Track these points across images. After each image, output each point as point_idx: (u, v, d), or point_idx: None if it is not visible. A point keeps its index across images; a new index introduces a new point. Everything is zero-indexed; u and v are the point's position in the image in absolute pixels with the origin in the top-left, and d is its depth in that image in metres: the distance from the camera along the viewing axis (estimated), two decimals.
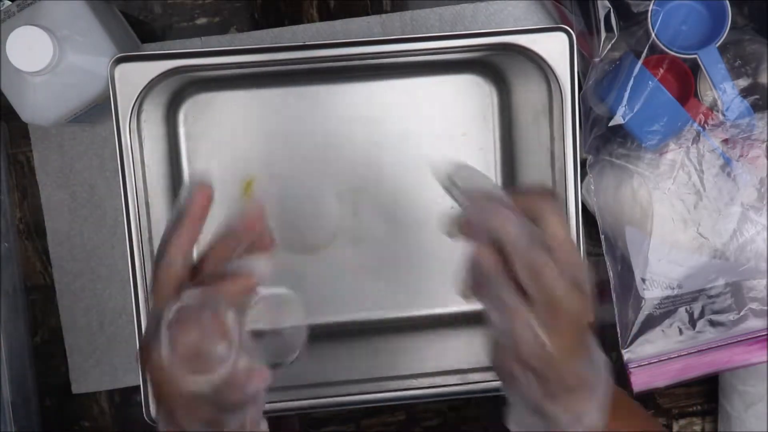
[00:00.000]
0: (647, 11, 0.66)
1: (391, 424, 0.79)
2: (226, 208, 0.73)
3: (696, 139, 0.69)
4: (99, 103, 0.66)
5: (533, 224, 0.45)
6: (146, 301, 0.64)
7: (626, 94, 0.67)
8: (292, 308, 0.48)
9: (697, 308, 0.71)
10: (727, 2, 0.66)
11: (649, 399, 0.80)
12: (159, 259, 0.47)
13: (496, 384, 0.67)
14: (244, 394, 0.44)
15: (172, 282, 0.46)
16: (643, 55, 0.67)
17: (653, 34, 0.66)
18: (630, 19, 0.67)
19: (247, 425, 0.47)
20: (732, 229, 0.70)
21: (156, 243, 0.67)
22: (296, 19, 0.75)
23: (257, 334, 0.46)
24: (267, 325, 0.47)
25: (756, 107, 0.68)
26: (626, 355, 0.71)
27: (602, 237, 0.71)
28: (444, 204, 0.74)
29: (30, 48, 0.59)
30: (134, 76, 0.62)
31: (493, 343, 0.47)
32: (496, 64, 0.72)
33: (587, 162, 0.71)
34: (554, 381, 0.46)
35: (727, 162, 0.69)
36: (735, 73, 0.68)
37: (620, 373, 0.71)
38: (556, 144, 0.66)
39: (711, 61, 0.67)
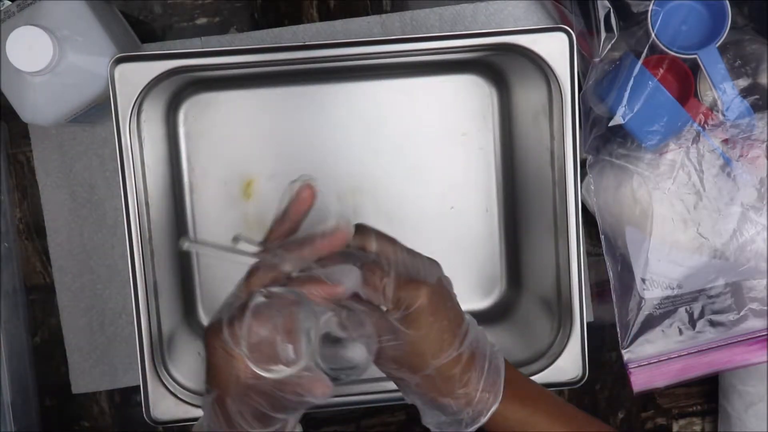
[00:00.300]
0: (647, 11, 0.66)
1: (391, 424, 0.79)
2: (227, 207, 0.73)
3: (696, 139, 0.69)
4: (99, 104, 0.66)
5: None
6: (146, 301, 0.64)
7: (626, 94, 0.67)
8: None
9: (697, 308, 0.71)
10: (727, 2, 0.66)
11: (649, 399, 0.80)
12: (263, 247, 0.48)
13: None
14: (302, 400, 0.45)
15: (268, 272, 0.46)
16: (643, 55, 0.67)
17: (653, 34, 0.66)
18: (630, 19, 0.67)
19: (288, 426, 0.48)
20: (732, 229, 0.70)
21: (156, 243, 0.67)
22: (296, 19, 0.75)
23: (328, 344, 0.46)
24: (338, 335, 0.47)
25: (756, 107, 0.68)
26: (626, 355, 0.71)
27: (602, 237, 0.71)
28: (444, 204, 0.75)
29: (30, 48, 0.59)
30: (134, 76, 0.62)
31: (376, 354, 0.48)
32: (496, 64, 0.72)
33: (587, 162, 0.71)
34: (430, 373, 0.49)
35: (727, 162, 0.69)
36: (735, 73, 0.68)
37: (620, 373, 0.71)
38: (556, 144, 0.66)
39: (711, 61, 0.67)
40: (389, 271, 0.48)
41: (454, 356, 0.49)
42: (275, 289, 0.44)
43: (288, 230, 0.50)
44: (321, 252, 0.47)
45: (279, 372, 0.43)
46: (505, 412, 0.51)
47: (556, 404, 0.54)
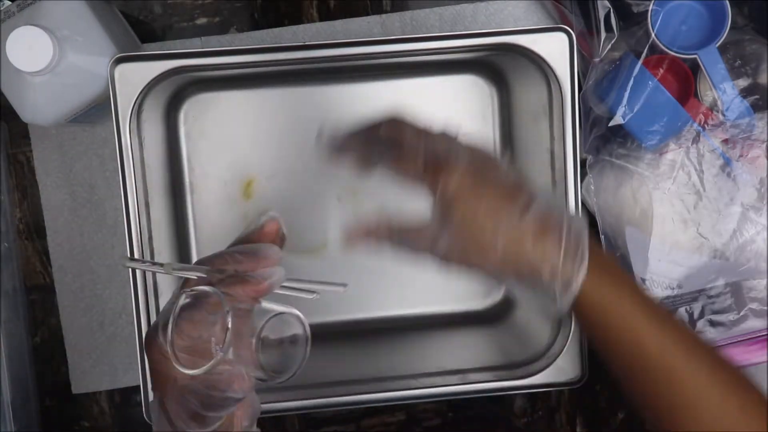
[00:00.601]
0: (647, 11, 0.66)
1: (391, 424, 0.79)
2: (227, 207, 0.73)
3: (696, 139, 0.69)
4: (99, 104, 0.66)
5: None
6: (146, 301, 0.64)
7: (626, 94, 0.67)
8: (295, 328, 0.48)
9: (697, 308, 0.71)
10: (727, 2, 0.66)
11: None
12: (204, 262, 0.47)
13: (496, 384, 0.67)
14: (223, 395, 0.44)
15: (201, 278, 0.46)
16: (643, 55, 0.67)
17: (653, 34, 0.66)
18: (630, 19, 0.67)
19: (235, 427, 0.47)
20: (732, 229, 0.70)
21: (156, 243, 0.67)
22: (296, 19, 0.75)
23: (262, 344, 0.46)
24: (270, 336, 0.47)
25: (756, 107, 0.68)
26: None
27: (602, 237, 0.71)
28: None
29: (30, 48, 0.59)
30: (134, 76, 0.62)
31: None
32: (496, 64, 0.72)
33: (587, 162, 0.71)
34: (499, 253, 0.48)
35: (727, 162, 0.69)
36: (735, 73, 0.68)
37: None
38: (556, 144, 0.66)
39: (711, 61, 0.67)
40: (417, 160, 0.47)
41: (517, 229, 0.47)
42: (199, 288, 0.44)
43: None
44: (251, 252, 0.47)
45: (197, 369, 0.43)
46: (594, 287, 0.49)
47: (644, 296, 0.52)
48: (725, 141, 0.69)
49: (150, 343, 0.46)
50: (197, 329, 0.44)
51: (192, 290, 0.44)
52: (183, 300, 0.44)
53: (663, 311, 0.52)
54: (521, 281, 0.49)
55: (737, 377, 0.50)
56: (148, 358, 0.46)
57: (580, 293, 0.49)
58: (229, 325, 0.43)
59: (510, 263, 0.49)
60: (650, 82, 0.66)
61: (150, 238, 0.66)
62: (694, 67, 0.68)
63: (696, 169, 0.70)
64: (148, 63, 0.63)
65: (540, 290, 0.50)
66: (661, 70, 0.68)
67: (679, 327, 0.51)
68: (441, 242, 0.48)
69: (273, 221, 0.49)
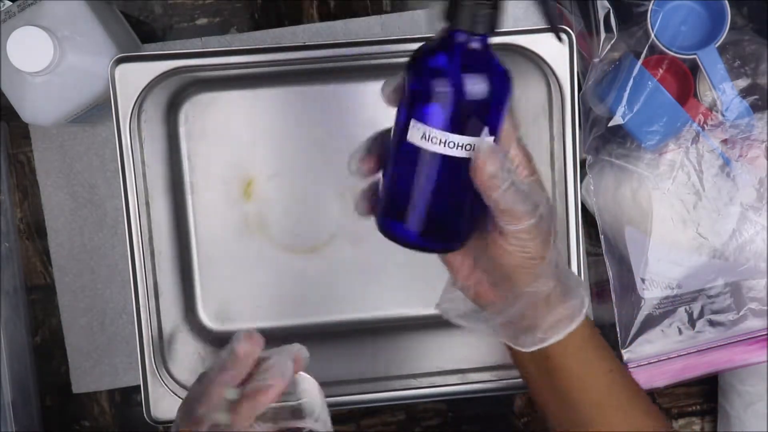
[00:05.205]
0: (647, 12, 0.66)
1: (391, 424, 0.79)
2: (227, 207, 0.73)
3: (695, 140, 0.69)
4: (99, 104, 0.66)
5: None
6: (146, 301, 0.65)
7: (626, 95, 0.67)
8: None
9: (696, 308, 0.71)
10: (727, 2, 0.66)
11: None
12: (195, 392, 0.49)
13: (496, 384, 0.67)
14: None
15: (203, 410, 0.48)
16: (643, 55, 0.67)
17: (653, 35, 0.66)
18: (629, 19, 0.67)
19: None
20: (731, 229, 0.70)
21: (156, 243, 0.67)
22: (296, 19, 0.76)
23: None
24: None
25: (755, 107, 0.68)
26: (626, 355, 0.71)
27: (602, 237, 0.71)
28: None
29: (30, 48, 0.60)
30: (134, 76, 0.63)
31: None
32: None
33: (587, 162, 0.71)
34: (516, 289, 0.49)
35: (726, 162, 0.70)
36: (734, 73, 0.68)
37: None
38: (555, 144, 0.66)
39: (710, 61, 0.67)
40: (533, 166, 0.49)
41: (544, 278, 0.49)
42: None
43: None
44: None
45: None
46: (573, 349, 0.51)
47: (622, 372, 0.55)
48: (724, 141, 0.69)
49: None
50: None
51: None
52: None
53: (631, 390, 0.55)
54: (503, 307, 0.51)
55: None
56: None
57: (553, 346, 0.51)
58: None
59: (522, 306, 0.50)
60: (650, 83, 0.66)
61: (150, 238, 0.66)
62: (694, 68, 0.68)
63: (695, 170, 0.70)
64: (149, 63, 0.63)
65: (509, 321, 0.51)
66: (661, 71, 0.68)
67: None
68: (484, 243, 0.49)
69: (248, 337, 0.50)
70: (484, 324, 0.53)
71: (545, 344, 0.51)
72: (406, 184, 0.46)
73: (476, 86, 0.45)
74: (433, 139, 0.45)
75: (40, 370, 0.77)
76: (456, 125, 0.45)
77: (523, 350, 0.52)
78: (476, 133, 0.45)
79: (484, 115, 0.45)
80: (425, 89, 0.45)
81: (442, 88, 0.44)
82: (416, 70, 0.46)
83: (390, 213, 0.48)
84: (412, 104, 0.46)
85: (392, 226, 0.48)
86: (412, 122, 0.45)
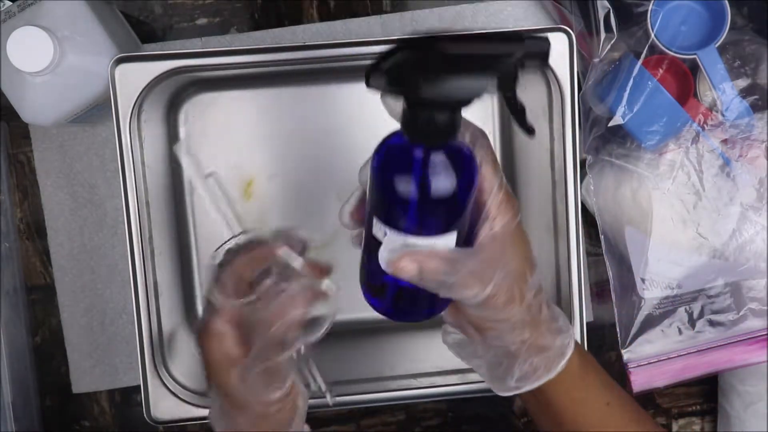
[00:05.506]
0: (647, 12, 0.66)
1: (391, 424, 0.79)
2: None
3: (695, 140, 0.69)
4: (99, 104, 0.66)
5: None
6: (146, 301, 0.65)
7: (626, 95, 0.67)
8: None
9: (696, 308, 0.71)
10: (727, 3, 0.66)
11: (648, 399, 0.80)
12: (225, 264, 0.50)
13: None
14: (282, 321, 0.47)
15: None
16: (643, 55, 0.67)
17: (653, 35, 0.66)
18: (629, 19, 0.67)
19: (294, 425, 0.50)
20: (731, 229, 0.70)
21: (156, 243, 0.67)
22: (296, 19, 0.76)
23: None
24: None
25: (755, 107, 0.68)
26: (626, 355, 0.71)
27: (602, 237, 0.71)
28: None
29: (30, 48, 0.60)
30: (134, 76, 0.63)
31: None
32: None
33: (587, 162, 0.71)
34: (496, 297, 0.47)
35: (726, 162, 0.70)
36: (734, 73, 0.68)
37: (620, 372, 0.71)
38: (555, 144, 0.66)
39: (710, 61, 0.67)
40: (502, 179, 0.47)
41: (532, 292, 0.48)
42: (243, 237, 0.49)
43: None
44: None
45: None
46: (568, 387, 0.51)
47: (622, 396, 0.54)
48: (724, 141, 0.69)
49: (203, 331, 0.48)
50: (242, 262, 0.48)
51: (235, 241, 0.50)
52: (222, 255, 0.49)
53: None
54: (494, 338, 0.50)
55: None
56: (202, 346, 0.49)
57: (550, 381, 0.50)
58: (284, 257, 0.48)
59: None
60: (650, 83, 0.66)
61: (150, 238, 0.66)
62: (694, 68, 0.68)
63: (695, 169, 0.70)
64: (149, 63, 0.63)
65: (501, 356, 0.50)
66: (661, 71, 0.68)
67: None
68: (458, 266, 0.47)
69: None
70: (470, 359, 0.53)
71: (519, 392, 0.51)
72: (376, 269, 0.46)
73: (435, 196, 0.42)
74: (393, 239, 0.44)
75: (40, 370, 0.77)
76: (415, 229, 0.43)
77: (500, 394, 0.52)
78: (436, 234, 0.44)
79: (444, 218, 0.44)
80: (384, 194, 0.43)
81: (399, 197, 0.42)
82: (377, 169, 0.43)
83: (367, 286, 0.50)
84: (373, 201, 0.45)
85: (368, 298, 0.51)
86: (375, 219, 0.44)
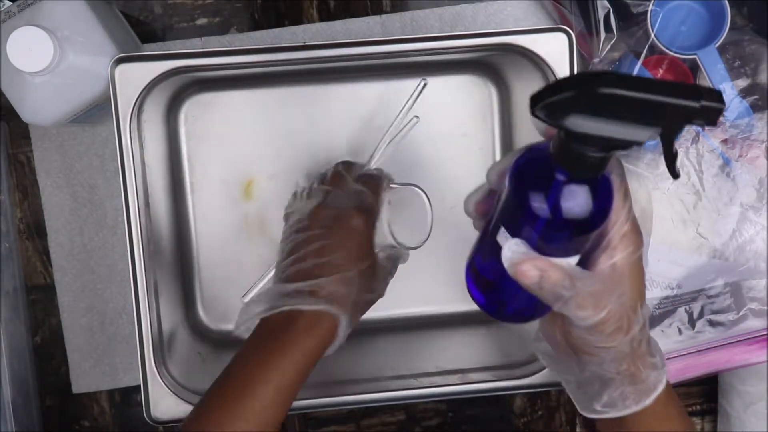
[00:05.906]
0: (646, 12, 0.66)
1: (391, 424, 0.79)
2: (227, 207, 0.73)
3: (695, 140, 0.69)
4: (99, 104, 0.66)
5: None
6: (146, 301, 0.64)
7: None
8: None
9: (696, 308, 0.71)
10: (727, 3, 0.66)
11: None
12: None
13: (496, 384, 0.67)
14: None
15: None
16: (643, 55, 0.67)
17: (653, 35, 0.66)
18: (629, 19, 0.67)
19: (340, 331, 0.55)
20: (731, 230, 0.70)
21: (156, 243, 0.67)
22: (296, 19, 0.76)
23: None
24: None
25: (755, 107, 0.68)
26: None
27: None
28: (444, 204, 0.75)
29: (30, 48, 0.60)
30: (134, 76, 0.63)
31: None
32: (496, 65, 0.72)
33: None
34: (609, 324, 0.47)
35: (726, 162, 0.70)
36: (734, 73, 0.68)
37: None
38: None
39: (710, 61, 0.67)
40: (630, 210, 0.47)
41: (639, 324, 0.48)
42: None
43: None
44: None
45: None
46: (658, 408, 0.50)
47: None
48: (724, 141, 0.69)
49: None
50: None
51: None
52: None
53: None
54: (598, 364, 0.49)
55: None
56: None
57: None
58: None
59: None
60: None
61: (150, 238, 0.66)
62: (694, 68, 0.68)
63: (695, 170, 0.70)
64: (149, 63, 0.63)
65: (605, 382, 0.50)
66: (661, 71, 0.68)
67: None
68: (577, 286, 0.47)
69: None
70: (562, 374, 0.53)
71: (603, 417, 0.50)
72: (490, 269, 0.47)
73: (567, 221, 0.42)
74: (519, 252, 0.44)
75: (40, 370, 0.77)
76: (543, 250, 0.44)
77: (582, 413, 0.52)
78: (562, 256, 0.44)
79: (569, 242, 0.44)
80: (517, 204, 0.43)
81: (531, 212, 0.42)
82: (517, 183, 0.44)
83: (474, 277, 0.50)
84: (505, 211, 0.45)
85: (471, 289, 0.51)
86: (502, 229, 0.45)
